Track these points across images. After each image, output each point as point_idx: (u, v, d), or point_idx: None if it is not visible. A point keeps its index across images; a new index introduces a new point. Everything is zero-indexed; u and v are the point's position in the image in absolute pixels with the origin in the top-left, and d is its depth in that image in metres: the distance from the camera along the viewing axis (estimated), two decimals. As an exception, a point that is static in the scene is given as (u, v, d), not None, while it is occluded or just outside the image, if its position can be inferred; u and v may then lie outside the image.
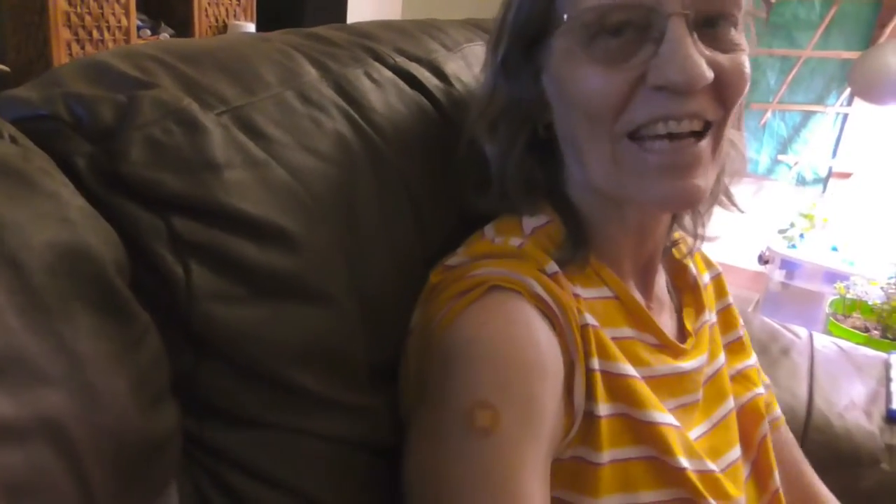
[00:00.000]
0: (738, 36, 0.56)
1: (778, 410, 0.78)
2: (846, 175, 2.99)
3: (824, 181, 3.04)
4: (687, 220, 0.71)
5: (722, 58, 0.54)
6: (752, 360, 0.77)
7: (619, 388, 0.57)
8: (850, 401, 1.10)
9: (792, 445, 0.79)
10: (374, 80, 0.71)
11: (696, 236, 0.72)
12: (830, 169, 3.01)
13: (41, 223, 0.39)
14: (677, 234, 0.74)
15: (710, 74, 0.52)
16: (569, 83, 0.56)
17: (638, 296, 0.65)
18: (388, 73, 0.74)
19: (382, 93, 0.70)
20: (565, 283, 0.58)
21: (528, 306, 0.54)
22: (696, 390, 0.65)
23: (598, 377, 0.57)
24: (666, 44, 0.52)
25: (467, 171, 0.68)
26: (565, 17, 0.55)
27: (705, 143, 0.55)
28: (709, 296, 0.75)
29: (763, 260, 2.87)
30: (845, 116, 2.93)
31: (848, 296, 2.44)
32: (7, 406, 0.34)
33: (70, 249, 0.40)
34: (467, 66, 0.87)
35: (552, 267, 0.58)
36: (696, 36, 0.52)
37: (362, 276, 0.60)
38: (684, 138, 0.54)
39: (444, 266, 0.62)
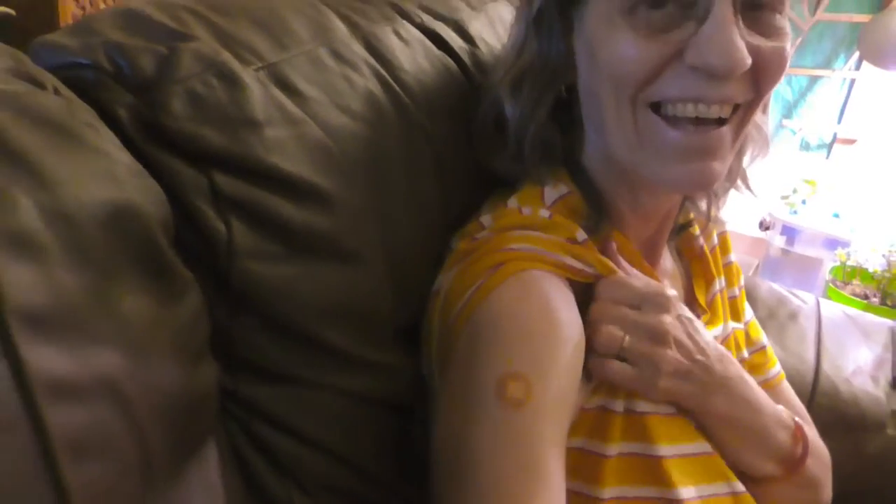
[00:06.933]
0: (782, 20, 0.54)
1: (777, 367, 0.78)
2: (851, 141, 2.96)
3: (828, 147, 3.02)
4: (702, 202, 0.71)
5: (763, 43, 0.52)
6: (746, 320, 0.78)
7: None
8: (856, 366, 1.09)
9: (792, 401, 0.78)
10: (402, 39, 0.70)
11: (709, 219, 0.72)
12: (835, 135, 2.98)
13: (92, 181, 0.39)
14: (691, 215, 0.74)
15: (749, 61, 0.50)
16: (602, 47, 0.55)
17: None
18: (416, 32, 0.73)
19: (410, 52, 0.69)
20: (594, 249, 0.60)
21: (561, 284, 0.56)
22: None
23: None
24: (710, 24, 0.50)
25: (485, 131, 0.68)
26: None
27: (728, 128, 0.54)
28: (717, 258, 0.76)
29: (764, 226, 2.82)
30: (852, 82, 2.89)
31: (848, 263, 2.41)
32: (67, 364, 0.34)
33: (119, 208, 0.39)
34: (490, 24, 0.86)
35: (582, 234, 0.59)
36: (740, 19, 0.51)
37: (390, 236, 0.60)
38: (710, 123, 0.54)
39: (472, 238, 0.62)
